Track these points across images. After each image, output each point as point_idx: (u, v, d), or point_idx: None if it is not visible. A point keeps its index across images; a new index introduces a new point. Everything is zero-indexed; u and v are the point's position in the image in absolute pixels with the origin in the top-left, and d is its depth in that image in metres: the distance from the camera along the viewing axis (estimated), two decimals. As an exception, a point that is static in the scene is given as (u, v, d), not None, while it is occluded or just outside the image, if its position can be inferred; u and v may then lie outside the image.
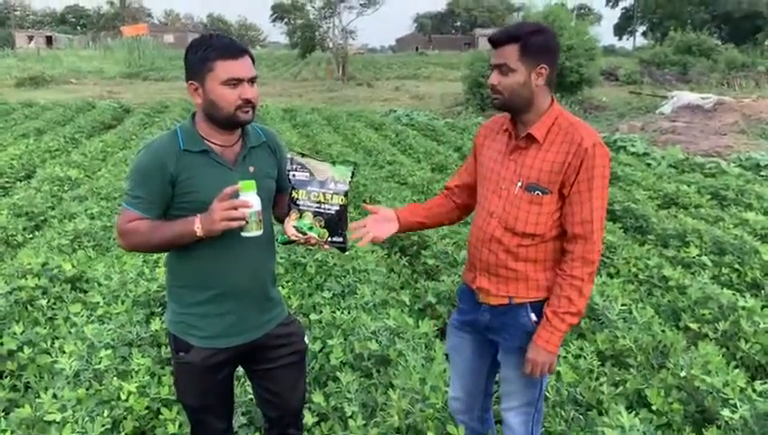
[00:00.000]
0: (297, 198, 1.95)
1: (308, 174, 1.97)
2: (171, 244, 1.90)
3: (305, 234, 1.94)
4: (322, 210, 1.95)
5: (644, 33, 74.00)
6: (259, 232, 1.83)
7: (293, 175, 1.96)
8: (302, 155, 1.99)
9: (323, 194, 1.95)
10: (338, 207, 1.95)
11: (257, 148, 2.04)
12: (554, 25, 19.24)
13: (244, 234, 1.81)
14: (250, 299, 2.03)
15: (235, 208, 1.76)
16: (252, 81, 1.89)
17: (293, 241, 1.96)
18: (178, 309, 2.04)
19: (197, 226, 1.80)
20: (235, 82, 1.84)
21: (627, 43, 79.59)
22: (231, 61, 1.84)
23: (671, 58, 33.00)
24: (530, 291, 2.08)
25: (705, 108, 16.97)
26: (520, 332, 2.10)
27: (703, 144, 12.52)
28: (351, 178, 1.98)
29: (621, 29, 78.74)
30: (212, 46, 1.85)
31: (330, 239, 1.96)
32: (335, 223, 1.95)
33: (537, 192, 1.99)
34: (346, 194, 1.97)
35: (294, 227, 1.94)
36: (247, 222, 1.79)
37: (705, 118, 16.02)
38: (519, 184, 2.03)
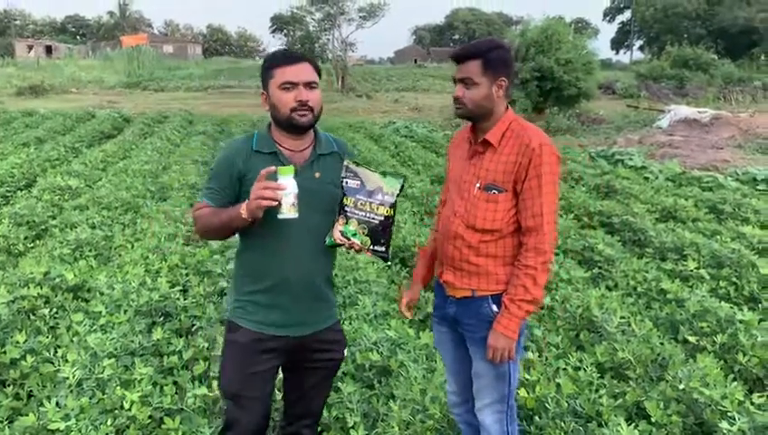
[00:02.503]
0: (346, 205, 2.04)
1: (359, 182, 2.05)
2: (227, 227, 2.03)
3: (349, 239, 2.02)
4: (367, 219, 2.03)
5: (641, 48, 74.42)
6: (293, 215, 1.92)
7: (346, 182, 2.05)
8: (357, 164, 2.07)
9: (370, 204, 2.03)
10: (382, 218, 2.03)
11: (327, 156, 2.16)
12: (552, 39, 19.44)
13: (279, 216, 1.91)
14: (301, 296, 2.13)
15: (268, 189, 1.87)
16: (309, 85, 2.03)
17: (339, 244, 2.06)
18: (237, 296, 2.19)
19: (243, 208, 1.93)
20: (289, 86, 2.01)
21: (624, 57, 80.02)
22: (287, 66, 2.03)
23: (668, 72, 33.21)
24: (490, 284, 2.23)
25: (701, 122, 17.09)
26: (483, 322, 2.23)
27: (700, 158, 12.61)
28: (400, 191, 2.07)
29: (618, 43, 79.20)
30: (273, 57, 2.10)
31: (372, 248, 2.04)
32: (378, 233, 2.03)
33: (493, 191, 2.17)
34: (392, 206, 2.05)
35: (341, 231, 2.03)
36: (280, 204, 1.89)
37: (701, 132, 16.13)
38: (477, 185, 2.21)
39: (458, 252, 2.25)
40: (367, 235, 2.02)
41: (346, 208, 2.04)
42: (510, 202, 2.18)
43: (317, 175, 2.10)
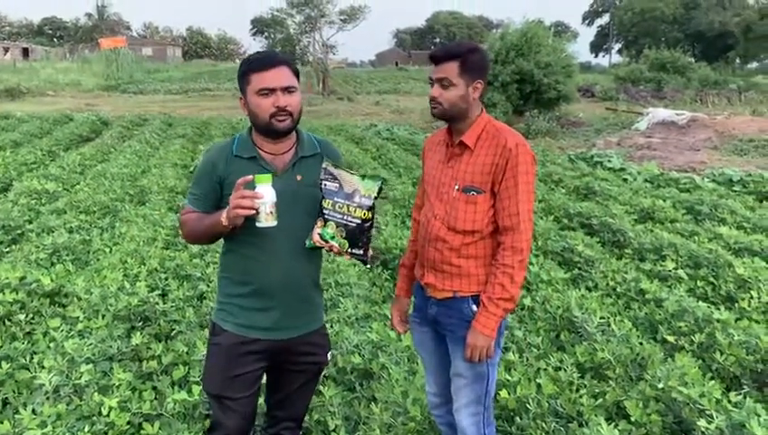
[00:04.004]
0: (324, 207, 2.03)
1: (338, 185, 2.04)
2: (210, 233, 2.03)
3: (328, 242, 2.02)
4: (345, 221, 2.02)
5: (619, 51, 75.38)
6: (272, 223, 1.91)
7: (324, 184, 2.05)
8: (336, 166, 2.07)
9: (347, 206, 2.02)
10: (359, 221, 2.02)
11: (309, 157, 2.13)
12: (532, 42, 19.55)
13: (258, 225, 1.90)
14: (286, 300, 2.11)
15: (246, 198, 1.86)
16: (287, 90, 1.99)
17: (319, 247, 2.05)
18: (222, 298, 2.18)
19: (223, 216, 1.92)
20: (267, 92, 1.98)
21: (603, 61, 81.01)
22: (263, 72, 1.99)
23: (646, 75, 33.67)
24: (471, 285, 2.25)
25: (679, 124, 17.32)
26: (463, 322, 2.25)
27: (678, 160, 12.78)
28: (378, 193, 2.05)
29: (597, 47, 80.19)
30: (249, 61, 2.05)
31: (350, 251, 2.03)
32: (355, 235, 2.02)
33: (472, 192, 2.20)
34: (370, 208, 2.03)
35: (319, 234, 2.03)
36: (258, 212, 1.87)
37: (679, 134, 16.35)
38: (456, 187, 2.23)
39: (440, 254, 2.26)
40: (345, 237, 2.02)
41: (324, 211, 2.03)
42: (488, 203, 2.20)
43: (299, 178, 2.09)
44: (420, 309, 2.44)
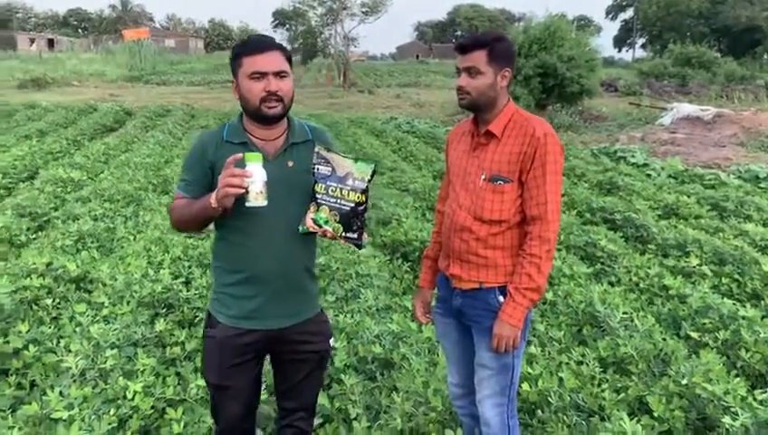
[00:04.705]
0: (317, 192, 2.00)
1: (330, 169, 2.01)
2: (199, 217, 1.98)
3: (321, 227, 1.99)
4: (338, 205, 1.98)
5: (643, 46, 74.40)
6: (261, 203, 1.86)
7: (317, 168, 2.01)
8: (328, 150, 2.03)
9: (340, 190, 1.99)
10: (353, 205, 1.99)
11: (301, 144, 2.10)
12: (555, 36, 19.38)
13: (247, 204, 1.86)
14: (278, 288, 2.08)
15: (236, 177, 1.81)
16: (279, 74, 1.96)
17: (312, 232, 2.02)
18: (215, 287, 2.17)
19: (212, 197, 1.87)
20: (258, 76, 1.94)
21: (626, 55, 80.00)
22: (255, 56, 1.95)
23: (670, 70, 33.19)
24: (498, 276, 2.24)
25: (704, 120, 17.06)
26: (490, 312, 2.23)
27: (702, 156, 12.59)
28: (372, 176, 2.01)
29: (621, 41, 79.17)
30: (241, 44, 2.01)
31: (344, 235, 1.99)
32: (349, 219, 1.99)
33: (499, 182, 2.18)
34: (363, 192, 2.00)
35: (312, 219, 2.00)
36: (247, 191, 1.83)
37: (704, 130, 16.11)
38: (483, 176, 2.21)
39: (465, 244, 2.25)
40: (339, 221, 1.98)
41: (317, 195, 2.00)
42: (516, 192, 2.18)
43: (290, 164, 2.05)
44: (444, 300, 2.42)
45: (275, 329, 2.12)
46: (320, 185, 2.00)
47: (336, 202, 1.99)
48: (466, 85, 2.18)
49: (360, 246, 2.05)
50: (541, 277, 2.15)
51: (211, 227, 2.11)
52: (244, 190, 1.82)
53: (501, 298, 2.22)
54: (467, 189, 2.26)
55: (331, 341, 2.30)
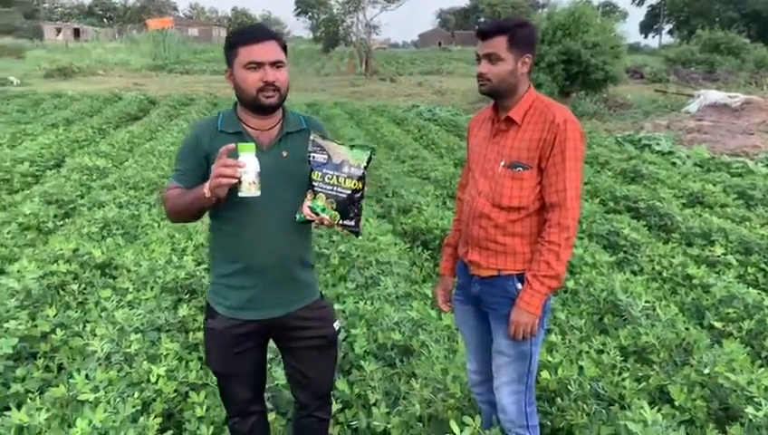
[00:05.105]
0: (313, 179, 1.99)
1: (326, 156, 2.00)
2: (193, 207, 1.97)
3: (319, 214, 1.98)
4: (335, 193, 1.98)
5: (670, 32, 73.03)
6: (254, 193, 1.86)
7: (313, 156, 2.01)
8: (323, 137, 2.03)
9: (337, 177, 1.98)
10: (349, 192, 1.97)
11: (295, 134, 2.10)
12: (580, 22, 19.10)
13: (240, 194, 1.86)
14: (274, 277, 2.09)
15: (228, 167, 1.81)
16: (275, 64, 1.96)
17: (310, 220, 2.02)
18: (212, 278, 2.18)
19: (206, 187, 1.88)
20: (255, 66, 1.93)
21: (653, 42, 78.64)
22: (252, 45, 1.94)
23: (698, 57, 32.55)
24: (517, 264, 2.23)
25: (732, 107, 16.73)
26: (508, 299, 2.23)
27: (730, 143, 12.36)
28: (368, 162, 2.00)
29: (647, 27, 77.82)
30: (237, 34, 1.99)
31: (342, 222, 1.99)
32: (346, 206, 1.98)
33: (519, 168, 2.17)
34: (360, 178, 1.98)
35: (309, 207, 1.99)
36: (240, 182, 1.84)
37: (732, 117, 15.80)
38: (502, 163, 2.20)
39: (484, 231, 2.25)
40: (336, 209, 1.97)
41: (314, 183, 1.99)
42: (535, 179, 2.17)
43: (284, 154, 2.05)
44: (463, 287, 2.43)
45: (273, 318, 2.13)
46: (316, 172, 1.99)
47: (333, 189, 1.98)
48: (487, 72, 2.16)
49: (357, 234, 2.05)
50: (559, 265, 2.14)
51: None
52: (236, 181, 1.82)
53: (519, 285, 2.22)
54: (486, 176, 2.25)
55: (336, 324, 2.28)
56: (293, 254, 2.13)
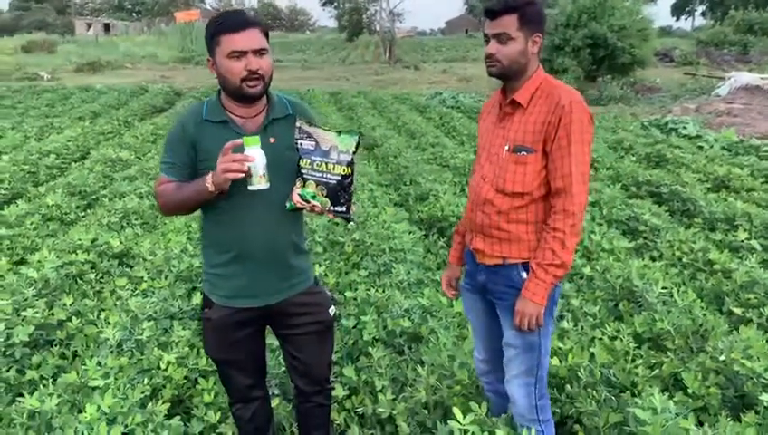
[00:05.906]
0: (302, 167, 1.98)
1: (314, 143, 1.99)
2: (193, 200, 1.98)
3: (309, 202, 1.97)
4: (325, 180, 1.97)
5: (703, 13, 71.23)
6: (264, 185, 1.89)
7: (300, 144, 2.00)
8: (310, 124, 2.01)
9: (326, 163, 1.97)
10: (339, 178, 1.96)
11: (282, 120, 2.07)
12: (606, 5, 18.76)
13: (250, 187, 1.88)
14: (267, 264, 2.09)
15: (236, 162, 1.82)
16: (259, 52, 1.92)
17: (300, 208, 2.01)
18: (206, 268, 2.18)
19: (209, 181, 1.88)
20: (238, 55, 1.90)
21: (685, 24, 76.85)
22: (234, 34, 1.89)
23: (731, 38, 31.72)
24: (522, 252, 2.16)
25: (764, 89, 16.28)
26: (513, 289, 2.17)
27: (761, 126, 12.04)
28: (356, 148, 1.98)
29: (679, 9, 76.04)
30: (218, 22, 1.94)
31: (332, 208, 1.98)
32: (336, 193, 1.97)
33: (523, 152, 2.09)
34: (349, 164, 1.97)
35: (299, 194, 1.99)
36: (250, 175, 1.85)
37: (764, 99, 15.39)
38: (506, 147, 2.14)
39: (488, 218, 2.19)
40: (326, 195, 1.96)
41: (302, 170, 1.98)
42: (540, 163, 2.09)
43: (272, 140, 2.01)
44: (471, 275, 2.38)
45: (269, 305, 2.14)
46: (304, 160, 1.98)
47: (322, 176, 1.97)
48: (497, 52, 2.08)
49: (348, 220, 2.04)
50: (565, 253, 2.05)
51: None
52: (244, 174, 1.84)
53: (524, 274, 2.15)
54: (491, 161, 2.20)
55: (331, 310, 2.28)
56: (285, 240, 2.12)
